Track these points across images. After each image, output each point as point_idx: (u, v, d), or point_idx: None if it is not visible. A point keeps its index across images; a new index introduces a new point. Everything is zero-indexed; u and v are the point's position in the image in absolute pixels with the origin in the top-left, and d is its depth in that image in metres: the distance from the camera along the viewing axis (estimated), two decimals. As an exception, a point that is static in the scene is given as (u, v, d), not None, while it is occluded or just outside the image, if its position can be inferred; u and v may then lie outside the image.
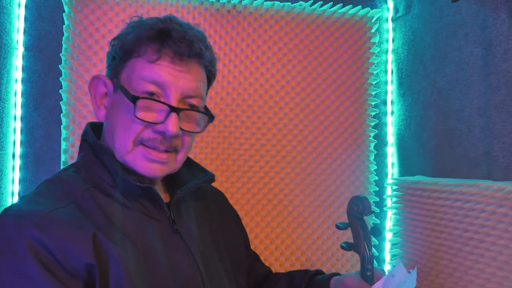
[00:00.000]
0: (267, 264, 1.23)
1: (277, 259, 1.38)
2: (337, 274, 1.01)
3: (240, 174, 1.37)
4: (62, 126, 1.25)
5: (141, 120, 0.77)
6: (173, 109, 0.78)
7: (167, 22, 0.81)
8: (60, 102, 1.25)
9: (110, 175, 0.81)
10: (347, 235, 1.03)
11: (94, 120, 1.19)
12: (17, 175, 1.29)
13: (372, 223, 1.33)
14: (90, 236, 0.72)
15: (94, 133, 0.85)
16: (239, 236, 1.07)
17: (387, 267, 1.47)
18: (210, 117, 0.87)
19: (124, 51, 0.81)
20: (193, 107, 0.83)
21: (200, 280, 0.84)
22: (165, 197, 0.90)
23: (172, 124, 0.78)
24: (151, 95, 0.78)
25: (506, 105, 1.07)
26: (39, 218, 0.70)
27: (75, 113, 1.25)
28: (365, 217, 0.98)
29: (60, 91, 1.25)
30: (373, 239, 1.01)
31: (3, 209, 0.77)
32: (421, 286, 1.23)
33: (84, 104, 1.25)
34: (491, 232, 1.01)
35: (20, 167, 1.30)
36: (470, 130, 1.18)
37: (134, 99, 0.76)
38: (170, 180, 0.92)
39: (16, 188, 1.28)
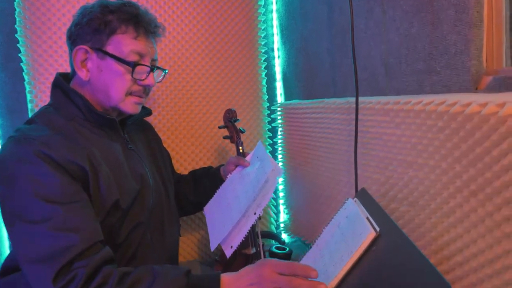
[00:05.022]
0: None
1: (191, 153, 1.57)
2: (222, 165, 1.26)
3: (170, 109, 1.51)
4: (25, 82, 1.32)
5: (137, 79, 0.94)
6: (151, 69, 0.96)
7: (135, 6, 0.95)
8: (21, 64, 1.31)
9: (82, 113, 0.93)
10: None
11: (49, 74, 1.28)
12: (-7, 121, 1.36)
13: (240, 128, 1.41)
14: (84, 152, 0.86)
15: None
16: (167, 155, 1.27)
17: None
18: (165, 71, 1.06)
19: (109, 29, 0.91)
20: (158, 67, 1.01)
21: (149, 176, 1.03)
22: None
23: (153, 79, 0.98)
24: (136, 62, 0.93)
25: (341, 46, 1.27)
26: (45, 139, 0.82)
27: (34, 71, 1.32)
28: (234, 122, 1.28)
29: (19, 55, 1.30)
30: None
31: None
32: (295, 171, 1.46)
33: (40, 64, 1.32)
34: (331, 130, 1.22)
35: (-4, 115, 1.37)
36: (322, 65, 1.38)
37: (134, 66, 0.92)
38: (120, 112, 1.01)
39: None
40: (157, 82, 1.04)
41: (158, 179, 1.09)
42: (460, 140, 0.78)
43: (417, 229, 0.92)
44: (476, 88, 0.85)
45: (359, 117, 1.05)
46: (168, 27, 1.46)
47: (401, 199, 0.96)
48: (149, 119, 1.43)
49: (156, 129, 1.30)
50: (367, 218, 0.81)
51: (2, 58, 1.36)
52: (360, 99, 1.07)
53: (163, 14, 1.45)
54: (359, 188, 1.07)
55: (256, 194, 0.99)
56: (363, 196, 0.92)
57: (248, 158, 1.16)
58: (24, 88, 1.34)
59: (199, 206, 1.27)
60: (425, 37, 0.95)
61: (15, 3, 1.28)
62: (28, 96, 1.34)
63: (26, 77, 1.32)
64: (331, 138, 1.23)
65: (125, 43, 0.93)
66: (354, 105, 1.07)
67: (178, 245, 1.17)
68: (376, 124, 1.01)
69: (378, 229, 0.74)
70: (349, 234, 0.82)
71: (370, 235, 0.74)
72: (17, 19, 1.29)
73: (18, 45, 1.30)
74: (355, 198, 0.94)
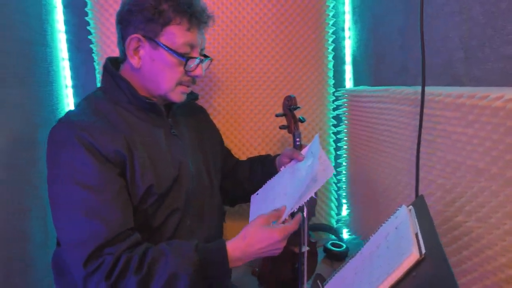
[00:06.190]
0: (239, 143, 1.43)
1: (243, 144, 1.51)
2: (278, 155, 1.16)
3: (230, 93, 1.46)
4: (95, 63, 1.38)
5: (188, 71, 0.94)
6: (201, 61, 0.95)
7: None
8: (91, 45, 1.37)
9: (126, 97, 0.94)
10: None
11: (116, 55, 1.31)
12: (71, 100, 1.46)
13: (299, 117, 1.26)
14: (122, 137, 0.87)
15: (112, 66, 0.97)
16: (218, 141, 1.23)
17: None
18: (211, 60, 1.03)
19: (163, 19, 0.89)
20: (205, 55, 1.00)
21: (189, 164, 1.01)
22: (165, 111, 1.03)
23: (202, 70, 0.97)
24: (188, 53, 0.93)
25: (415, 26, 1.08)
26: (85, 125, 0.84)
27: (102, 53, 1.37)
28: (293, 110, 1.15)
29: (89, 37, 1.36)
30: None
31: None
32: (356, 164, 1.33)
33: (108, 45, 1.36)
34: (396, 123, 1.07)
35: (73, 94, 1.46)
36: (393, 48, 1.20)
37: (188, 59, 0.92)
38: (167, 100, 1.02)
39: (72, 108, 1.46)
40: (205, 70, 1.01)
41: (202, 165, 1.06)
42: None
43: (485, 250, 0.75)
44: None
45: (426, 110, 0.89)
46: (226, 2, 1.39)
47: (469, 212, 0.79)
48: (204, 103, 1.41)
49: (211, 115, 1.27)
50: (416, 234, 0.68)
51: (76, 40, 1.43)
52: (432, 89, 0.90)
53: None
54: (420, 193, 0.92)
55: (301, 194, 0.91)
56: (420, 206, 0.78)
57: (303, 151, 1.07)
58: (95, 69, 1.41)
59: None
60: (518, 14, 0.75)
61: (86, -14, 1.34)
62: (98, 77, 1.40)
63: (95, 57, 1.38)
64: (395, 132, 1.07)
65: (178, 34, 0.91)
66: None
67: (221, 233, 1.14)
68: (444, 121, 0.84)
69: (424, 251, 0.61)
70: (393, 250, 0.70)
71: (412, 256, 0.61)
72: (88, 2, 1.34)
73: (88, 27, 1.36)
74: (410, 206, 0.80)
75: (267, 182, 1.13)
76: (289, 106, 1.17)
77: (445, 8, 0.93)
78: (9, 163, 1.05)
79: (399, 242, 0.70)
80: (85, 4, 1.35)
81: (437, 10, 0.96)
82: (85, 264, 0.76)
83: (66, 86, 1.44)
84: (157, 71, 0.93)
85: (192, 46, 0.94)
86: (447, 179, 0.85)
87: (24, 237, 1.11)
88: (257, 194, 1.13)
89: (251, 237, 0.83)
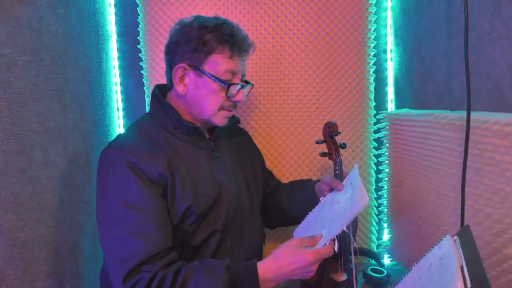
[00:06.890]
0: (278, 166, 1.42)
1: (283, 166, 1.52)
2: (318, 180, 1.15)
3: (270, 115, 1.48)
4: (144, 88, 1.46)
5: (230, 97, 0.99)
6: (242, 86, 1.00)
7: (230, 27, 0.98)
8: (141, 71, 1.45)
9: (172, 121, 1.00)
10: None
11: (164, 81, 1.37)
12: (121, 121, 1.55)
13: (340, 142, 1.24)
14: (165, 159, 0.92)
15: (160, 93, 1.04)
16: (259, 163, 1.25)
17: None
18: (252, 85, 1.08)
19: (207, 49, 0.96)
20: (246, 81, 1.06)
21: (229, 185, 1.04)
22: (208, 135, 1.08)
23: (243, 96, 1.02)
24: (229, 80, 0.98)
25: (460, 48, 1.06)
26: (132, 148, 0.91)
27: (152, 78, 1.45)
28: (334, 136, 1.14)
29: (140, 63, 1.45)
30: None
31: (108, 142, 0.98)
32: (398, 189, 1.30)
33: (157, 71, 1.44)
34: (440, 149, 1.04)
35: (123, 116, 1.55)
36: (438, 69, 1.18)
37: (229, 85, 0.97)
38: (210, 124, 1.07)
39: (122, 130, 1.55)
40: (246, 95, 1.06)
41: (243, 187, 1.09)
42: None
43: (539, 287, 0.71)
44: None
45: (473, 137, 0.86)
46: (268, 28, 1.43)
47: (519, 245, 0.76)
48: (245, 126, 1.44)
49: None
50: (461, 267, 0.65)
51: (129, 66, 1.53)
52: (478, 115, 0.88)
53: (268, 11, 1.42)
54: (466, 222, 0.88)
55: (337, 227, 0.89)
56: (465, 236, 0.75)
57: (344, 181, 1.05)
58: (144, 93, 1.49)
59: (292, 219, 1.22)
60: None
61: (139, 17, 1.43)
62: (147, 100, 1.48)
63: (145, 82, 1.46)
64: (440, 158, 1.04)
65: (221, 62, 0.96)
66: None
67: (261, 255, 1.15)
68: (492, 149, 0.81)
69: (469, 285, 0.59)
70: (436, 282, 0.68)
71: None
72: (140, 31, 1.43)
73: (140, 55, 1.45)
74: (455, 237, 0.78)
75: (308, 215, 1.11)
76: (330, 133, 1.16)
77: (492, 32, 0.91)
78: (69, 182, 1.14)
79: (442, 275, 0.68)
80: (138, 33, 1.45)
81: (483, 34, 0.94)
82: (124, 280, 0.80)
83: (118, 109, 1.54)
84: (201, 97, 0.98)
85: (233, 73, 0.99)
86: (495, 208, 0.82)
87: (76, 251, 1.18)
88: (298, 228, 1.11)
89: (282, 259, 0.84)
